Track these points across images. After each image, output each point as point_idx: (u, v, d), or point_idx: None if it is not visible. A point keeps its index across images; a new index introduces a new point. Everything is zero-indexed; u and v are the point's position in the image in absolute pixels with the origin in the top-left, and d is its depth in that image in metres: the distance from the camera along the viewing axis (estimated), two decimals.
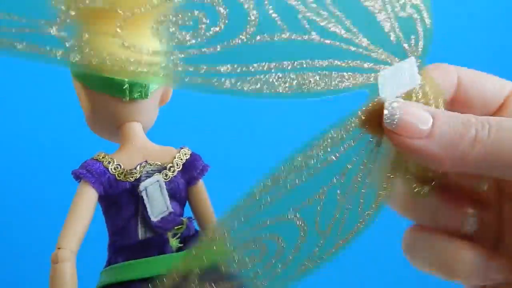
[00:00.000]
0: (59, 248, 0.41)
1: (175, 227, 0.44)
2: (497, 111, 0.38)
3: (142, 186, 0.43)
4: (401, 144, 0.34)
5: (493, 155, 0.33)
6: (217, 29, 0.31)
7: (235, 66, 0.32)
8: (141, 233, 0.44)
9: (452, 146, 0.33)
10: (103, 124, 0.45)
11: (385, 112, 0.34)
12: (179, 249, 0.43)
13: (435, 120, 0.33)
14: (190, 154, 0.45)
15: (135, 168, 0.43)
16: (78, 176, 0.43)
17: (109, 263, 0.43)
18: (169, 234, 0.43)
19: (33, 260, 0.77)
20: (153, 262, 0.41)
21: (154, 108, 0.46)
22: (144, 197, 0.43)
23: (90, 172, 0.43)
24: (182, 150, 0.45)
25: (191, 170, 0.45)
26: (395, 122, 0.33)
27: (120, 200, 0.43)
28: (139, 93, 0.44)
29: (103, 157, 0.44)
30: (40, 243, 0.60)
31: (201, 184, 0.45)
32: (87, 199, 0.42)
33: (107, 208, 0.44)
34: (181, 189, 0.44)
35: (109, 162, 0.43)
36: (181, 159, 0.44)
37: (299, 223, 0.35)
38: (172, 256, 0.42)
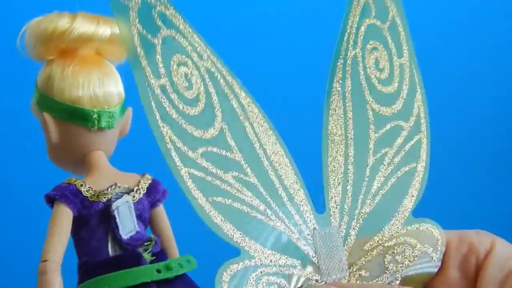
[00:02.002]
0: (45, 261, 0.43)
1: (145, 243, 0.47)
2: None
3: (114, 205, 0.46)
4: None
5: None
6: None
7: None
8: (111, 251, 0.46)
9: None
10: (69, 153, 0.48)
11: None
12: (151, 262, 0.46)
13: None
14: (152, 179, 0.49)
15: (107, 189, 0.47)
16: (51, 199, 0.46)
17: (82, 281, 0.46)
18: (141, 249, 0.46)
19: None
20: (136, 272, 0.44)
21: (116, 138, 0.50)
22: (116, 216, 0.46)
23: (64, 194, 0.46)
24: (145, 175, 0.49)
25: (154, 193, 0.49)
26: None
27: (92, 220, 0.46)
28: (106, 123, 0.48)
29: (75, 181, 0.47)
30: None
31: (162, 207, 0.50)
32: (65, 219, 0.45)
33: (78, 229, 0.46)
34: (146, 210, 0.48)
35: (81, 185, 0.46)
36: (145, 183, 0.49)
37: None
38: (148, 267, 0.45)
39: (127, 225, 0.47)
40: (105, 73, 0.48)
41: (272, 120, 0.39)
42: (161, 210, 0.50)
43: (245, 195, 0.36)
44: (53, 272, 0.43)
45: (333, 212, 0.40)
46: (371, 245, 0.40)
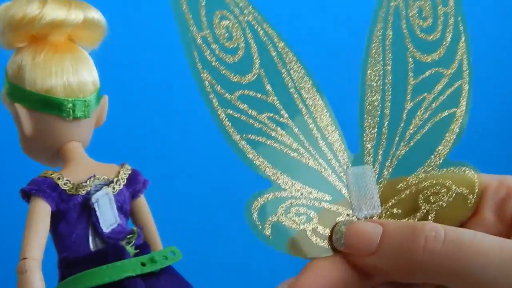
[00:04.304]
0: (24, 259, 0.41)
1: (127, 236, 0.45)
2: None
3: (94, 198, 0.44)
4: (354, 262, 0.35)
5: (442, 266, 0.33)
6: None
7: None
8: (92, 245, 0.45)
9: (400, 259, 0.34)
10: (44, 145, 0.46)
11: (333, 236, 0.37)
12: (135, 255, 0.45)
13: (383, 235, 0.35)
14: (132, 170, 0.47)
15: (86, 182, 0.45)
16: (27, 194, 0.44)
17: (64, 277, 0.44)
18: (123, 243, 0.45)
19: None
20: (120, 266, 0.43)
21: (92, 128, 0.48)
22: (96, 208, 0.44)
23: (41, 188, 0.43)
24: (124, 165, 0.47)
25: (134, 184, 0.47)
26: (342, 243, 0.36)
27: (71, 214, 0.44)
28: (82, 113, 0.46)
29: (51, 174, 0.44)
30: None
31: (143, 198, 0.48)
32: (43, 214, 0.43)
33: (56, 224, 0.44)
34: (127, 202, 0.46)
35: (58, 178, 0.44)
36: (125, 174, 0.47)
37: None
38: (133, 261, 0.44)
39: (108, 218, 0.45)
40: (79, 59, 0.46)
41: (311, 68, 0.40)
42: (142, 201, 0.48)
43: (278, 134, 0.38)
44: (32, 270, 0.41)
45: (368, 152, 0.40)
46: (404, 185, 0.40)
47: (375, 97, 0.40)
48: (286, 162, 0.38)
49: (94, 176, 0.45)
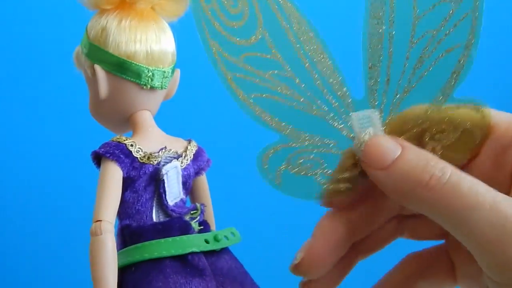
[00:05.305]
0: (99, 220, 0.40)
1: (191, 212, 0.45)
2: None
3: (164, 169, 0.44)
4: (367, 172, 0.36)
5: (437, 206, 0.33)
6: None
7: None
8: (155, 216, 0.44)
9: (404, 185, 0.34)
10: (115, 109, 0.46)
11: (355, 141, 0.38)
12: (199, 231, 0.44)
13: (399, 156, 0.35)
14: (198, 147, 0.47)
15: (158, 152, 0.44)
16: (99, 156, 0.43)
17: (125, 245, 0.43)
18: (187, 217, 0.45)
19: None
20: (186, 241, 0.43)
21: (162, 99, 0.48)
22: (166, 180, 0.44)
23: (114, 153, 0.43)
24: (191, 142, 0.47)
25: (200, 161, 0.47)
26: (361, 150, 0.37)
27: (139, 182, 0.44)
28: (159, 83, 0.46)
29: (124, 140, 0.44)
30: None
31: (205, 176, 0.48)
32: (117, 178, 0.43)
33: (123, 191, 0.44)
34: (191, 178, 0.46)
35: (131, 145, 0.44)
36: (192, 150, 0.47)
37: None
38: (197, 237, 0.44)
39: (173, 191, 0.45)
40: (162, 30, 0.46)
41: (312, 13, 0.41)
42: (204, 179, 0.48)
43: (283, 89, 0.40)
44: (107, 232, 0.40)
45: (372, 95, 0.41)
46: (410, 125, 0.40)
47: (378, 34, 0.40)
48: (291, 114, 0.40)
49: (165, 147, 0.45)
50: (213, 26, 0.39)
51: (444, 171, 0.34)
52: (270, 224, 0.89)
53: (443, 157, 0.37)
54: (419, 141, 0.39)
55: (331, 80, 0.40)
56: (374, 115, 0.40)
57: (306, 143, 0.39)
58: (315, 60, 0.40)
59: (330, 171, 0.39)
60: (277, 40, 0.40)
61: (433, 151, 0.39)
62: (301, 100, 0.40)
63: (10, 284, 0.86)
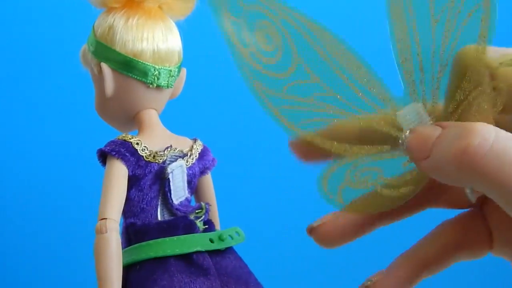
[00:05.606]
0: (104, 218, 0.40)
1: (196, 211, 0.45)
2: None
3: (170, 168, 0.44)
4: (417, 167, 0.35)
5: (480, 174, 0.31)
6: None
7: None
8: (160, 215, 0.44)
9: (448, 163, 0.32)
10: (121, 107, 0.46)
11: (400, 139, 0.38)
12: (204, 231, 0.44)
13: (438, 136, 0.33)
14: (203, 146, 0.47)
15: (163, 151, 0.44)
16: (105, 154, 0.43)
17: (130, 243, 0.43)
18: (192, 217, 0.45)
19: None
20: (190, 240, 0.43)
21: (167, 99, 0.48)
22: (171, 179, 0.44)
23: (120, 151, 0.43)
24: (197, 140, 0.47)
25: (205, 160, 0.47)
26: (404, 146, 0.36)
27: (145, 181, 0.44)
28: (165, 82, 0.46)
29: (130, 138, 0.44)
30: None
31: (210, 176, 0.48)
32: (122, 176, 0.43)
33: (128, 189, 0.43)
34: (196, 177, 0.46)
35: (137, 143, 0.44)
36: (198, 149, 0.47)
37: None
38: (202, 236, 0.44)
39: (178, 190, 0.45)
40: (169, 29, 0.46)
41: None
42: (209, 179, 0.48)
43: (326, 108, 0.40)
44: (112, 230, 0.40)
45: (411, 87, 0.40)
46: (455, 105, 0.39)
47: (402, 31, 0.40)
48: (339, 131, 0.40)
49: (171, 146, 0.45)
50: (254, 68, 0.39)
51: (484, 137, 0.31)
52: (274, 224, 0.89)
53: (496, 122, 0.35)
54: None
55: (370, 87, 0.40)
56: (417, 106, 0.39)
57: (360, 155, 0.39)
58: (351, 72, 0.40)
59: (389, 177, 0.38)
60: (312, 63, 0.40)
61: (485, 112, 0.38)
62: (347, 114, 0.40)
63: (10, 284, 0.86)
